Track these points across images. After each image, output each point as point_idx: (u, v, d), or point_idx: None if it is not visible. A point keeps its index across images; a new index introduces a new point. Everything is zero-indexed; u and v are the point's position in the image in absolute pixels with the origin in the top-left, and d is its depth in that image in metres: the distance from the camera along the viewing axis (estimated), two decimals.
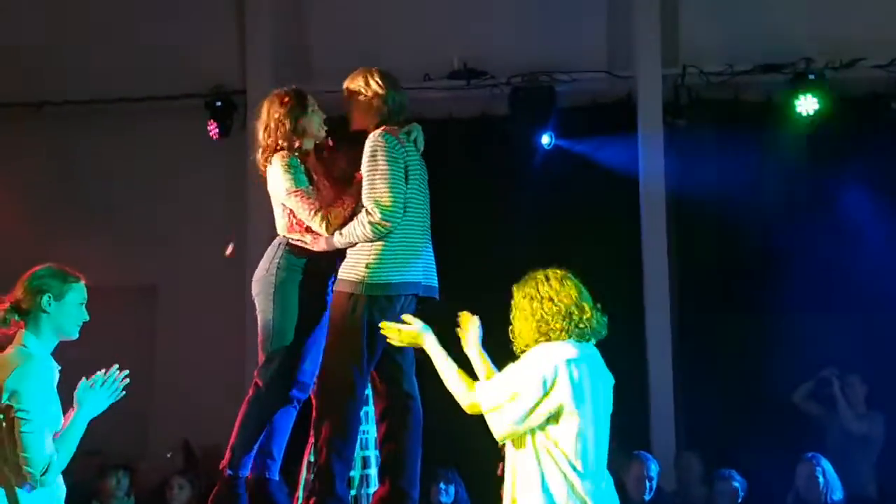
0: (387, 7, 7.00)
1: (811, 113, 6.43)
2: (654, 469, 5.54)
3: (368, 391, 3.84)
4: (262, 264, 3.80)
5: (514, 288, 3.08)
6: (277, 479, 3.85)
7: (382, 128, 3.72)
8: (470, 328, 3.27)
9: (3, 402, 2.97)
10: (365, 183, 3.62)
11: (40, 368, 3.05)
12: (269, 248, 3.83)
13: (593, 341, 3.03)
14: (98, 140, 7.21)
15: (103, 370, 3.21)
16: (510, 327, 3.08)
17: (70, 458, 3.10)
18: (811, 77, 6.44)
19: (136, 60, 7.08)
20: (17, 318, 3.12)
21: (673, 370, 6.38)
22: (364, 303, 3.57)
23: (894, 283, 6.17)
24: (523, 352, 3.03)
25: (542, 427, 2.90)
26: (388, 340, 3.36)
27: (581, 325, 2.96)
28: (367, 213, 3.57)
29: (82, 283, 3.21)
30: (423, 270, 3.71)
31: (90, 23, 7.15)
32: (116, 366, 3.23)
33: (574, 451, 2.88)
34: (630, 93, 6.88)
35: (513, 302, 3.08)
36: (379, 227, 3.55)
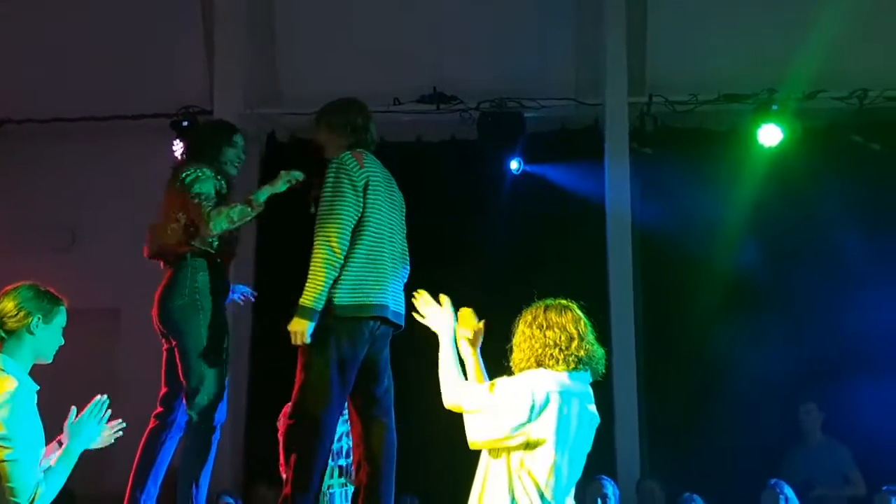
0: (357, 31, 7.01)
1: (774, 143, 6.54)
2: (609, 488, 5.55)
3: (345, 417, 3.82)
4: (174, 290, 3.80)
5: (520, 315, 3.07)
6: None
7: (349, 151, 3.74)
8: (474, 328, 3.20)
9: None
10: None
11: (22, 393, 2.94)
12: (176, 272, 3.82)
13: (588, 373, 3.01)
14: (61, 159, 7.10)
15: (101, 398, 3.11)
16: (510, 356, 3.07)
17: (59, 489, 2.97)
18: (774, 108, 6.55)
19: (103, 80, 7.01)
20: None
21: (638, 399, 6.40)
22: (332, 327, 3.53)
23: (857, 310, 6.25)
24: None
25: (519, 450, 2.88)
26: (416, 306, 3.28)
27: (568, 353, 2.94)
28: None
29: (64, 306, 3.13)
30: (391, 296, 3.69)
31: (57, 41, 7.06)
32: (101, 396, 3.13)
33: (545, 482, 2.88)
34: (597, 120, 6.94)
35: (515, 330, 3.06)
36: (327, 254, 3.55)
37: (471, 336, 3.20)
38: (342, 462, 3.96)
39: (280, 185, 3.76)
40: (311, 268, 3.53)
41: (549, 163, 6.85)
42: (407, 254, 3.89)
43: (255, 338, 6.75)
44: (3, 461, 2.85)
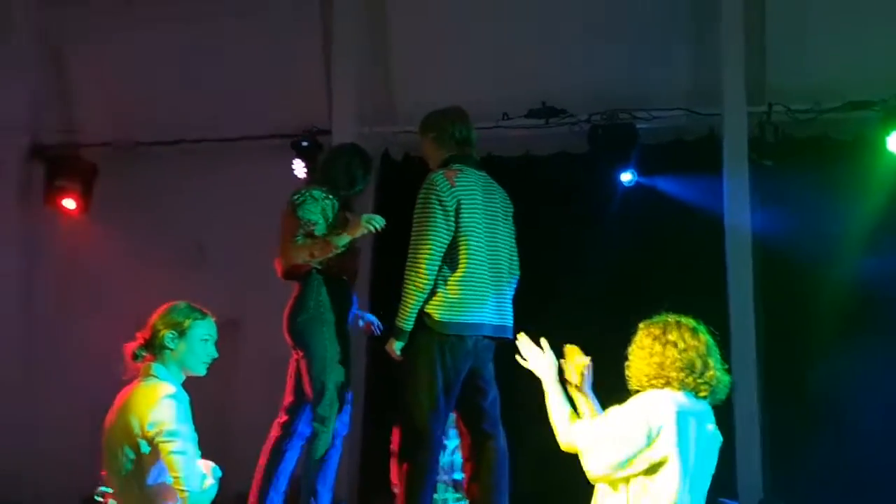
0: (467, 47, 7.07)
1: None
2: None
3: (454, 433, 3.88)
4: (300, 305, 4.00)
5: (641, 325, 3.00)
6: None
7: (440, 169, 3.83)
8: (580, 366, 3.12)
9: (147, 431, 3.04)
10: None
11: (180, 397, 3.14)
12: (302, 288, 3.99)
13: (709, 400, 2.92)
14: (188, 179, 7.44)
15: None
16: (626, 363, 2.99)
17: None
18: None
19: (225, 102, 7.31)
20: (146, 353, 3.24)
21: (760, 417, 6.19)
22: (436, 342, 3.63)
23: None
24: (636, 391, 2.94)
25: (639, 477, 2.81)
26: (521, 353, 3.20)
27: (700, 381, 2.86)
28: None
29: (209, 318, 3.30)
30: (493, 311, 3.74)
31: (180, 65, 7.41)
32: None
33: None
34: (713, 130, 6.77)
35: (635, 338, 2.99)
36: (415, 280, 3.72)
37: (578, 381, 3.10)
38: (457, 476, 4.00)
39: (359, 233, 3.88)
40: (403, 291, 3.73)
41: (664, 174, 6.72)
42: (515, 258, 3.91)
43: (372, 350, 6.88)
44: (171, 453, 3.02)
